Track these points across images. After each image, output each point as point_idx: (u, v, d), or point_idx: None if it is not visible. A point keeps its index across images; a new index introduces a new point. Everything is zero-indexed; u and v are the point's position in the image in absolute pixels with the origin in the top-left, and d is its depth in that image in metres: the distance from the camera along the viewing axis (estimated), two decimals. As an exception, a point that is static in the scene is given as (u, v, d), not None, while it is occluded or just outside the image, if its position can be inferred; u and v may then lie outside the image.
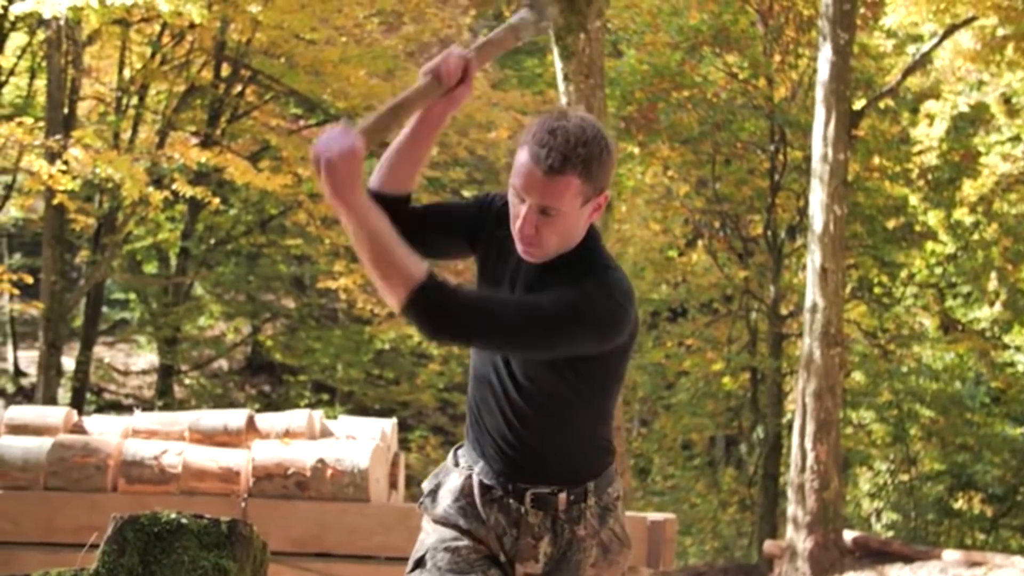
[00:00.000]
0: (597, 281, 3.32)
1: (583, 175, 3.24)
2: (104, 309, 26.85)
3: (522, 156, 3.29)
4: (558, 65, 11.20)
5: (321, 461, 7.08)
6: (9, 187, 21.59)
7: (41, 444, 7.23)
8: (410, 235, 3.33)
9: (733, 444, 24.21)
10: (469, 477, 3.53)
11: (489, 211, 3.55)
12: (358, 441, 7.32)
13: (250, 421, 7.38)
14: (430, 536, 3.55)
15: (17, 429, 7.46)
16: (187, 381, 24.88)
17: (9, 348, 26.88)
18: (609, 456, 3.59)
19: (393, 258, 3.23)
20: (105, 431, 7.51)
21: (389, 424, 7.64)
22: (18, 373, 26.33)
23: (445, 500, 3.55)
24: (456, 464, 3.61)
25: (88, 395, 23.17)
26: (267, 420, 7.48)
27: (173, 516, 2.44)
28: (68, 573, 2.38)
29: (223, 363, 28.03)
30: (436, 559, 3.48)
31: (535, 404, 3.43)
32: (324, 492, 7.07)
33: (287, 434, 7.34)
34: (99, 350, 26.98)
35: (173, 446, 7.25)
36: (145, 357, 27.55)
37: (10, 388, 25.86)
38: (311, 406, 19.69)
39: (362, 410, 19.99)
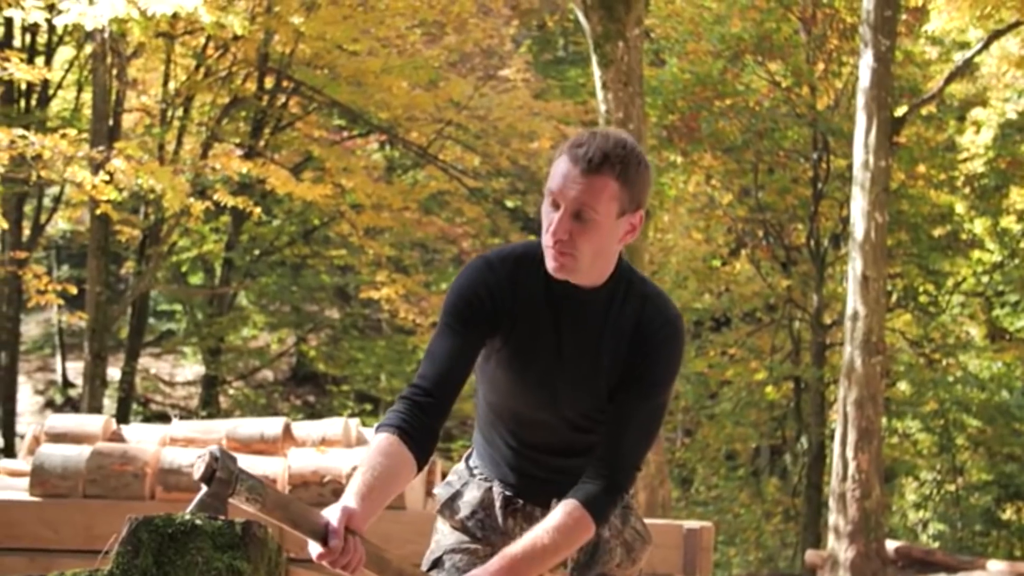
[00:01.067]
0: (672, 321, 3.34)
1: (621, 178, 3.16)
2: (151, 320, 27.06)
3: (559, 162, 3.21)
4: (597, 73, 11.21)
5: (357, 469, 7.06)
6: (57, 199, 21.82)
7: (80, 452, 7.26)
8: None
9: (777, 454, 24.08)
10: (489, 490, 3.52)
11: (491, 287, 3.35)
12: (394, 449, 7.29)
13: (286, 429, 7.38)
14: (447, 537, 3.55)
15: (57, 437, 7.49)
16: (231, 391, 25.00)
17: (58, 359, 27.10)
18: None
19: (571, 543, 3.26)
20: (143, 439, 7.54)
21: (425, 432, 7.61)
22: (66, 384, 26.55)
23: (463, 511, 3.53)
24: (472, 475, 3.58)
25: (135, 405, 23.34)
26: (303, 428, 7.48)
27: (187, 517, 2.45)
28: (83, 574, 2.40)
29: (268, 374, 28.16)
30: (454, 559, 3.49)
31: (584, 445, 3.39)
32: (360, 500, 7.04)
33: (323, 442, 7.34)
34: (146, 361, 27.16)
35: (210, 454, 7.25)
36: (191, 368, 27.71)
37: (59, 399, 26.08)
38: (354, 416, 19.73)
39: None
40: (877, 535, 13.17)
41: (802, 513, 20.11)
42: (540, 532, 3.16)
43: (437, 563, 3.52)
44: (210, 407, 22.14)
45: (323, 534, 2.85)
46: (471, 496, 3.54)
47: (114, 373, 22.26)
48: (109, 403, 21.90)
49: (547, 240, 3.19)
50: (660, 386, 3.31)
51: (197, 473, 2.58)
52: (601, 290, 3.30)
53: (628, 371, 3.29)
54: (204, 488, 2.57)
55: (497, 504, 3.49)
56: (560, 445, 3.43)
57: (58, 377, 27.05)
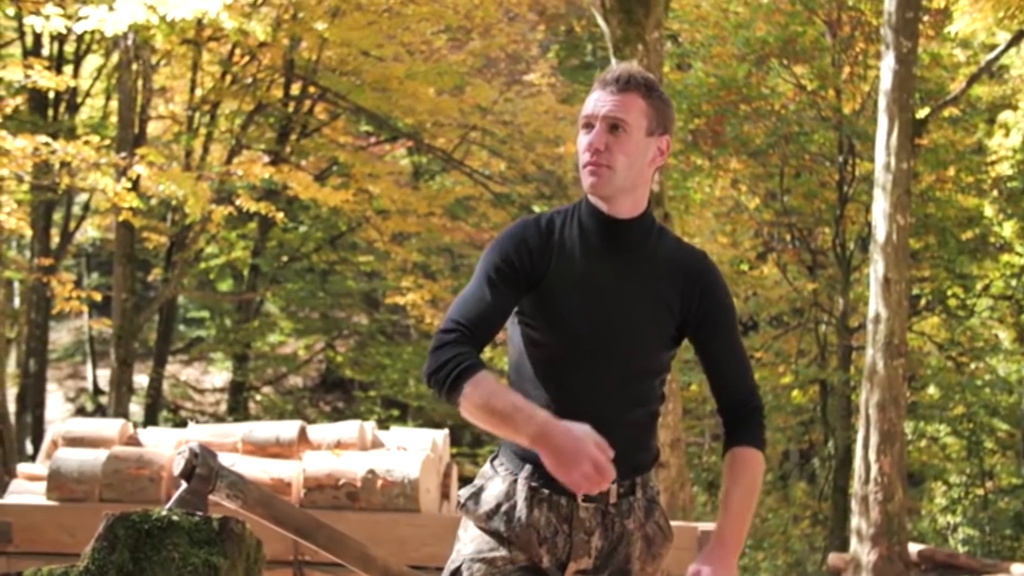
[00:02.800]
0: (708, 256, 3.64)
1: (647, 97, 3.45)
2: (181, 328, 27.20)
3: (591, 95, 3.49)
4: (616, 77, 11.16)
5: (372, 472, 7.07)
6: (86, 207, 21.95)
7: (97, 456, 7.29)
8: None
9: (806, 458, 24.00)
10: (514, 482, 3.52)
11: (533, 244, 3.51)
12: (409, 452, 7.31)
13: (302, 432, 7.39)
14: (467, 546, 3.54)
15: (73, 441, 7.53)
16: (258, 397, 25.08)
17: (88, 366, 27.23)
18: (657, 452, 3.66)
19: None
20: (159, 443, 7.57)
21: (441, 435, 7.63)
22: (97, 391, 26.66)
23: (488, 503, 3.53)
24: (496, 472, 3.59)
25: (164, 412, 23.44)
26: (319, 431, 7.49)
27: (164, 513, 2.45)
28: (59, 571, 2.40)
29: (298, 380, 28.24)
30: (472, 570, 3.48)
31: (640, 395, 3.51)
32: (375, 503, 7.06)
33: (338, 445, 7.35)
34: (176, 368, 27.28)
35: (225, 457, 7.25)
36: (220, 374, 27.80)
37: (89, 406, 26.19)
38: (381, 422, 19.76)
39: (434, 426, 20.01)
40: (900, 538, 13.09)
41: (829, 517, 20.02)
42: (735, 495, 3.50)
43: (456, 573, 3.51)
44: (237, 413, 22.20)
45: (306, 531, 2.86)
46: (495, 489, 3.54)
47: (144, 380, 22.37)
48: (138, 409, 22.02)
49: (584, 159, 3.43)
50: (732, 315, 3.57)
51: (177, 470, 2.59)
52: (642, 220, 3.51)
53: (697, 312, 3.50)
54: (184, 484, 2.58)
55: (521, 496, 3.48)
56: (613, 398, 3.47)
57: (89, 384, 27.17)
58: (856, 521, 13.35)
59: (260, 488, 2.69)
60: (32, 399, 21.09)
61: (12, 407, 21.61)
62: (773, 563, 21.08)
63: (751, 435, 3.53)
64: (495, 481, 3.57)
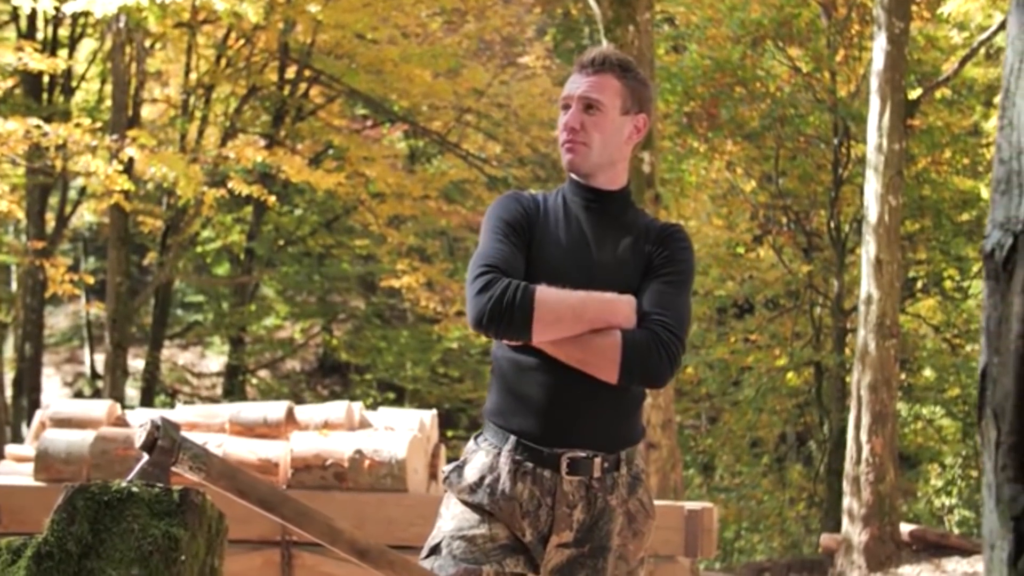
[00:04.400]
0: (679, 228, 3.74)
1: (622, 78, 3.63)
2: (179, 312, 27.19)
3: (570, 77, 3.70)
4: (607, 58, 11.13)
5: (359, 452, 7.08)
6: (82, 191, 21.94)
7: (84, 437, 7.29)
8: None
9: (802, 441, 24.02)
10: (498, 455, 3.54)
11: (527, 207, 3.68)
12: (396, 432, 7.32)
13: (289, 413, 7.40)
14: (448, 523, 3.57)
15: (61, 423, 7.54)
16: (254, 381, 25.09)
17: (86, 351, 27.25)
18: (643, 429, 3.70)
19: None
20: (147, 424, 7.56)
21: (428, 415, 7.64)
22: (94, 375, 26.66)
23: (472, 476, 3.56)
24: (479, 446, 3.62)
25: (162, 396, 23.44)
26: (306, 412, 7.50)
27: (124, 485, 2.45)
28: (17, 542, 2.41)
29: (296, 364, 28.25)
30: (452, 547, 3.51)
31: None
32: (362, 483, 7.06)
33: (326, 425, 7.36)
34: (173, 352, 27.30)
35: (213, 438, 7.28)
36: (218, 359, 27.82)
37: (87, 390, 26.20)
38: (377, 405, 19.78)
39: (428, 408, 19.99)
40: (891, 518, 13.10)
41: (824, 499, 20.04)
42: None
43: (435, 549, 3.55)
44: (233, 396, 22.20)
45: (271, 504, 2.86)
46: (479, 462, 3.57)
47: (141, 364, 22.37)
48: (135, 393, 22.03)
49: (562, 137, 3.64)
50: (684, 274, 3.62)
51: (138, 442, 2.59)
52: (621, 192, 3.70)
53: (652, 263, 3.60)
54: (145, 457, 2.58)
55: (505, 469, 3.51)
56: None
57: (86, 369, 27.19)
58: (848, 502, 13.35)
59: (224, 460, 2.69)
60: (28, 382, 21.07)
61: (9, 391, 21.63)
62: (769, 545, 21.11)
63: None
64: (478, 455, 3.60)
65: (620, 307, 3.45)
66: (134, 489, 2.46)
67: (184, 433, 7.10)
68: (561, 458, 3.48)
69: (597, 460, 3.51)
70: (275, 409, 7.46)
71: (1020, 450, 2.09)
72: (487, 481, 3.53)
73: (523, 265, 3.52)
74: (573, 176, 3.68)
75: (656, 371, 3.45)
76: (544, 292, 3.38)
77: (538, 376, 3.50)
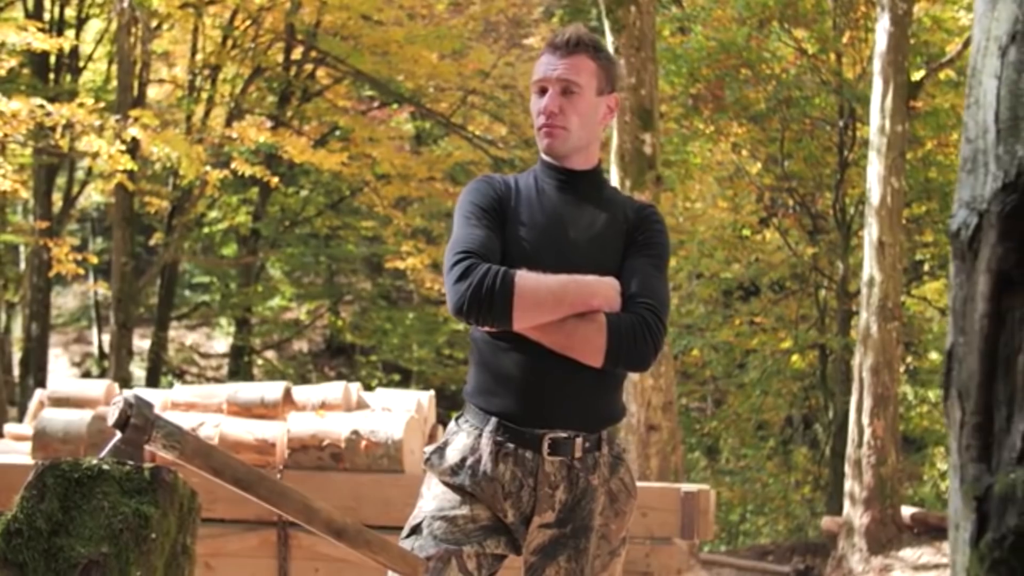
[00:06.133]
0: (652, 208, 3.77)
1: (596, 58, 3.63)
2: (187, 293, 27.23)
3: (541, 58, 3.66)
4: (609, 38, 11.13)
5: (355, 433, 7.07)
6: (89, 171, 21.97)
7: (82, 416, 7.29)
8: None
9: (808, 424, 23.99)
10: (479, 436, 3.54)
11: (499, 190, 3.68)
12: (393, 413, 7.32)
13: (287, 393, 7.39)
14: (429, 503, 3.57)
15: (59, 402, 7.55)
16: (260, 362, 25.13)
17: (94, 331, 27.31)
18: (623, 408, 3.71)
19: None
20: (145, 403, 7.56)
21: (426, 396, 7.63)
22: (102, 355, 26.71)
23: (453, 457, 3.57)
24: (460, 428, 3.63)
25: (169, 377, 23.49)
26: (303, 392, 7.49)
27: (94, 462, 2.45)
28: (-16, 518, 2.40)
29: (303, 345, 28.28)
30: (432, 527, 3.51)
31: None
32: (359, 464, 7.06)
33: (323, 406, 7.36)
34: (181, 333, 27.34)
35: (210, 418, 7.28)
36: (225, 339, 27.88)
37: (95, 370, 26.27)
38: (382, 387, 19.77)
39: (436, 391, 20.00)
40: (893, 501, 13.07)
41: (829, 482, 20.03)
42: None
43: (416, 529, 3.55)
44: (239, 377, 22.23)
45: (246, 483, 2.86)
46: (460, 444, 3.58)
47: (147, 344, 22.41)
48: (141, 373, 22.07)
49: (539, 121, 3.62)
50: (663, 257, 3.64)
51: (111, 420, 2.59)
52: (594, 172, 3.71)
53: (632, 242, 3.61)
54: (118, 434, 2.58)
55: (487, 451, 3.51)
56: None
57: (94, 349, 27.25)
58: (849, 484, 13.33)
59: (198, 438, 2.70)
60: (35, 362, 21.12)
61: (16, 371, 21.69)
62: (774, 528, 21.11)
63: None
64: (459, 436, 3.60)
65: (601, 289, 3.45)
66: (105, 466, 2.46)
67: (181, 413, 7.14)
68: (542, 439, 3.49)
69: (578, 440, 3.52)
70: (272, 389, 7.46)
71: (984, 430, 2.09)
72: (468, 462, 3.53)
73: (499, 248, 3.51)
74: (546, 158, 3.69)
75: (642, 355, 3.46)
76: (524, 277, 3.37)
77: (517, 357, 3.50)
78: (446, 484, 3.56)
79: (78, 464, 2.46)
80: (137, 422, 2.58)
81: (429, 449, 3.64)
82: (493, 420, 3.52)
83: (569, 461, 3.51)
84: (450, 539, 3.47)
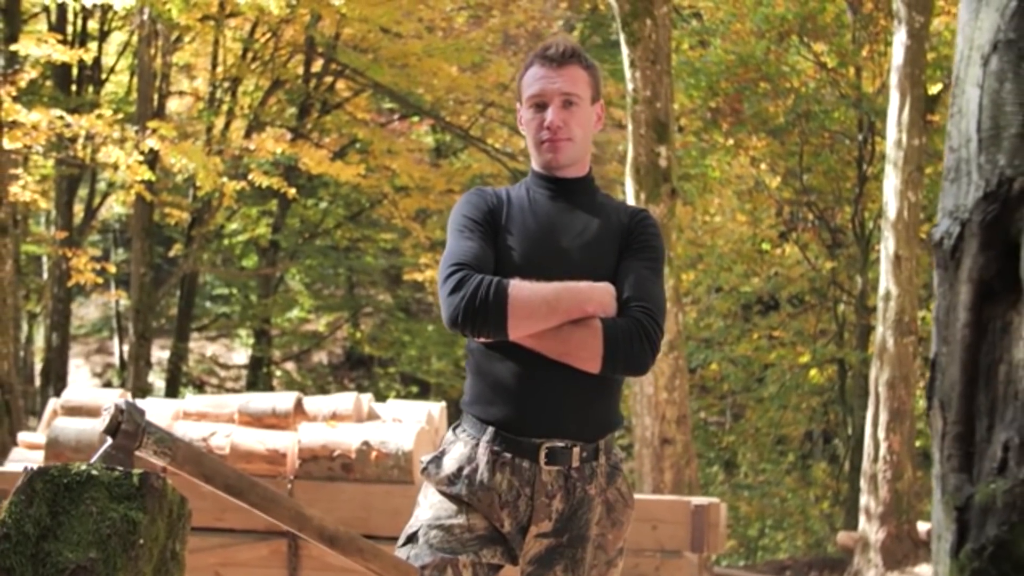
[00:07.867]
0: (645, 212, 3.76)
1: (586, 68, 3.64)
2: (207, 304, 27.30)
3: (529, 73, 3.65)
4: (625, 51, 11.14)
5: (366, 443, 7.09)
6: (111, 183, 22.07)
7: (94, 425, 7.31)
8: None
9: (828, 439, 23.92)
10: (476, 445, 3.54)
11: (491, 202, 3.68)
12: (403, 424, 7.33)
13: (298, 404, 7.41)
14: (425, 512, 3.56)
15: (72, 411, 7.57)
16: (278, 373, 25.17)
17: (115, 341, 27.39)
18: (621, 417, 3.69)
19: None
20: (156, 413, 7.59)
21: (437, 407, 7.65)
22: (123, 366, 26.77)
23: (450, 467, 3.56)
24: (457, 437, 3.62)
25: (190, 388, 23.55)
26: (314, 403, 7.51)
27: (83, 467, 2.46)
28: (-26, 523, 2.41)
29: (323, 357, 28.31)
30: (428, 536, 3.50)
31: None
32: (369, 474, 7.08)
33: (334, 417, 7.37)
34: (202, 344, 27.41)
35: (222, 428, 7.30)
36: (245, 351, 27.93)
37: (116, 381, 26.34)
38: (401, 399, 19.76)
39: (452, 404, 20.05)
40: (909, 517, 13.00)
41: (848, 497, 19.95)
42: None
43: (412, 538, 3.54)
44: (257, 388, 22.27)
45: (237, 489, 2.87)
46: (457, 453, 3.57)
47: (167, 355, 22.47)
48: (161, 384, 22.12)
49: (543, 135, 3.61)
50: (659, 261, 3.64)
51: (102, 425, 2.60)
52: (585, 179, 3.72)
53: (627, 247, 3.61)
54: (109, 440, 2.59)
55: (483, 460, 3.51)
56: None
57: (115, 359, 27.32)
58: (865, 499, 13.26)
59: (190, 445, 2.70)
60: (55, 372, 21.19)
61: (36, 381, 21.75)
62: (793, 543, 21.04)
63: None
64: (456, 445, 3.60)
65: (595, 295, 3.44)
66: (93, 472, 2.46)
67: (193, 423, 7.16)
68: (540, 448, 3.48)
69: (575, 449, 3.51)
70: (283, 400, 7.48)
71: (965, 440, 2.09)
72: (465, 472, 3.53)
73: (492, 259, 3.51)
74: (538, 169, 3.69)
75: (639, 359, 3.45)
76: (517, 287, 3.37)
77: (513, 366, 3.49)
78: (443, 493, 3.55)
79: (67, 469, 2.47)
80: (128, 428, 2.59)
81: (426, 458, 3.63)
82: (490, 430, 3.52)
83: (566, 470, 3.51)
84: (446, 548, 3.46)
